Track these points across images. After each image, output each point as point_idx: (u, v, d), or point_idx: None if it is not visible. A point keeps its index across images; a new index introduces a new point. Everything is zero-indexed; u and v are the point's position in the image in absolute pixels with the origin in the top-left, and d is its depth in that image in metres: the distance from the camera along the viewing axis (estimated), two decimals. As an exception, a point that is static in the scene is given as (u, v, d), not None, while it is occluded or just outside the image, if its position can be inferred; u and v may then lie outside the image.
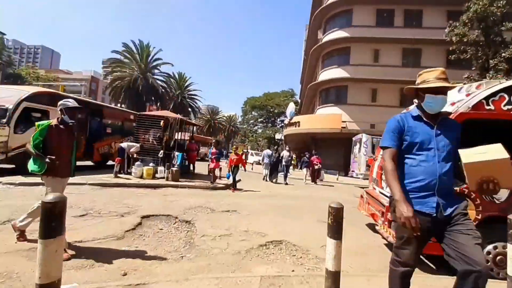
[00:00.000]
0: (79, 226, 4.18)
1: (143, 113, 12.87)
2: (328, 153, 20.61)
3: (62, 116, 3.33)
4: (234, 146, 14.00)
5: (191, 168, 12.91)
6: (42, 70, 60.44)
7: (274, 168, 14.78)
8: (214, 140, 13.10)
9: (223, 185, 10.10)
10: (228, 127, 72.29)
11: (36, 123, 3.24)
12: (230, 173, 10.06)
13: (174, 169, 9.92)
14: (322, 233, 5.34)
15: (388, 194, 4.93)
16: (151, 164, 10.31)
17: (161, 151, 10.80)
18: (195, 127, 16.94)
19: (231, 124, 72.08)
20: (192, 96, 48.36)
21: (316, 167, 14.39)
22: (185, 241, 4.12)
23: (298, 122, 24.01)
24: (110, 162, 12.47)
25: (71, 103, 3.41)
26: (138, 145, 10.72)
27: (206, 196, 7.92)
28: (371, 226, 5.93)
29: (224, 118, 72.85)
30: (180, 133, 14.26)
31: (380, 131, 15.26)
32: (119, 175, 9.69)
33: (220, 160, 10.94)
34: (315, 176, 14.54)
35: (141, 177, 9.74)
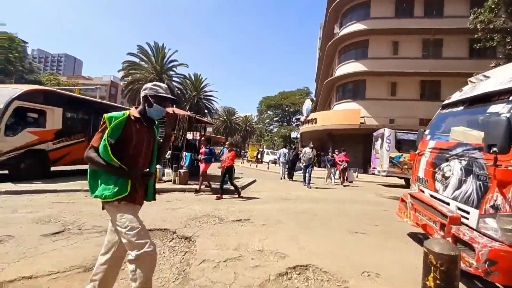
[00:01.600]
0: (41, 252, 3.12)
1: None
2: (346, 150, 18.95)
3: (147, 106, 2.04)
4: (228, 143, 12.38)
5: (204, 169, 11.87)
6: (64, 77, 61.60)
7: (292, 167, 14.10)
8: (202, 138, 10.68)
9: (239, 187, 8.95)
10: (244, 127, 71.44)
11: (105, 115, 1.92)
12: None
13: (182, 171, 8.88)
14: (358, 250, 3.75)
15: (449, 200, 3.61)
16: (158, 166, 9.30)
17: (168, 152, 9.81)
18: (208, 126, 15.94)
19: (247, 124, 71.18)
20: (208, 97, 47.62)
21: (342, 166, 12.42)
22: (179, 270, 2.98)
23: (315, 119, 22.52)
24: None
25: (163, 90, 2.06)
26: None
27: (215, 202, 6.80)
28: (415, 237, 4.58)
29: (240, 118, 72.09)
30: (192, 132, 13.29)
31: (400, 126, 13.43)
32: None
33: (212, 161, 8.35)
34: (343, 176, 12.51)
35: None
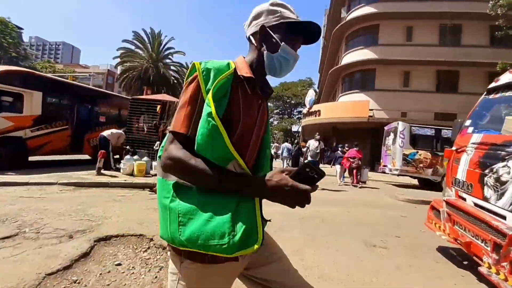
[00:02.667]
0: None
1: (137, 97, 11.20)
2: (351, 146, 18.22)
3: (266, 50, 0.97)
4: None
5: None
6: (61, 65, 60.96)
7: (295, 162, 13.98)
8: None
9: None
10: (244, 120, 70.74)
11: (196, 63, 0.91)
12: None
13: None
14: (382, 273, 2.87)
15: (506, 212, 2.90)
16: (145, 158, 8.64)
17: (157, 143, 9.13)
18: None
19: (247, 117, 70.42)
20: (206, 88, 46.69)
21: (354, 164, 10.85)
22: (146, 298, 2.31)
23: (318, 111, 21.72)
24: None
25: (293, 12, 0.99)
26: (122, 132, 9.13)
27: (207, 200, 6.13)
28: (446, 253, 3.90)
29: (240, 110, 71.24)
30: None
31: (413, 120, 12.39)
32: (103, 171, 8.07)
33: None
34: (355, 175, 10.94)
35: (132, 174, 8.07)
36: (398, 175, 11.65)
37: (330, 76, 24.19)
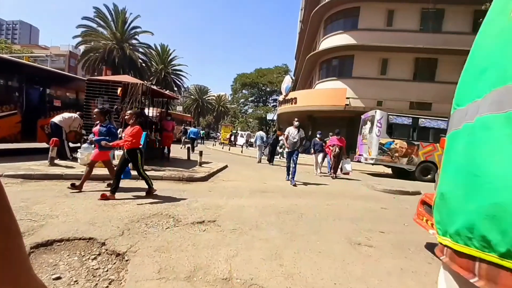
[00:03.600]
0: None
1: (94, 77, 10.13)
2: (327, 135, 18.21)
3: None
4: (129, 112, 9.48)
5: (166, 152, 10.45)
6: (19, 45, 55.66)
7: (272, 151, 14.18)
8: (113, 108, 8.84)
9: (205, 174, 7.75)
10: (218, 107, 69.35)
11: None
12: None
13: None
14: (372, 279, 2.38)
15: None
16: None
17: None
18: (177, 104, 14.25)
19: (221, 104, 69.07)
20: (177, 72, 44.91)
21: (333, 152, 10.17)
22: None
23: (295, 98, 21.50)
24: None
25: None
26: (76, 115, 8.21)
27: (176, 193, 5.56)
28: (433, 248, 3.69)
29: (213, 97, 69.71)
30: (153, 108, 11.68)
31: (388, 109, 11.99)
32: (57, 161, 7.18)
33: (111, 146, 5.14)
34: (333, 165, 10.29)
35: (90, 165, 7.22)
36: (373, 164, 11.74)
37: (307, 62, 23.94)
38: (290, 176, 8.15)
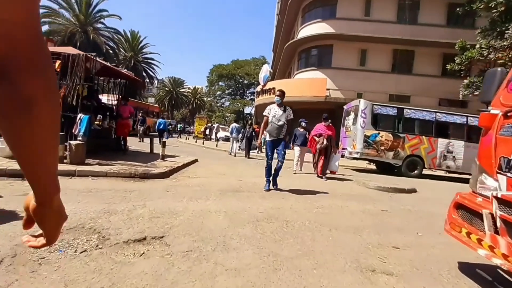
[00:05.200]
0: None
1: None
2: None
3: None
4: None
5: (122, 143, 8.81)
6: None
7: (249, 144, 13.57)
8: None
9: (166, 170, 6.33)
10: (193, 100, 66.72)
11: None
12: None
13: (74, 142, 5.90)
14: None
15: None
16: None
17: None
18: (149, 93, 12.46)
19: (197, 97, 66.50)
20: (148, 61, 42.06)
21: (319, 145, 7.93)
22: None
23: (273, 88, 20.25)
24: None
25: None
26: None
27: (119, 194, 4.13)
28: (476, 275, 2.63)
29: (189, 90, 66.92)
30: (108, 92, 9.97)
31: (370, 100, 10.80)
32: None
33: None
34: (320, 163, 8.02)
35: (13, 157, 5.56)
36: (358, 158, 10.84)
37: (285, 52, 22.79)
38: (271, 176, 5.55)
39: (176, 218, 3.39)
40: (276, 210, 4.10)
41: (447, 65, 14.01)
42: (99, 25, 33.40)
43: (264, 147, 6.27)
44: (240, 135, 14.77)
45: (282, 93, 5.59)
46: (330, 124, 8.38)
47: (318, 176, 8.09)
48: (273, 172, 5.54)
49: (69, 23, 30.52)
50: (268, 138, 5.55)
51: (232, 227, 3.25)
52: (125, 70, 9.84)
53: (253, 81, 44.47)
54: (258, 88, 23.99)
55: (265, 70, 22.33)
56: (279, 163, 5.46)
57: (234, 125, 14.94)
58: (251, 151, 14.26)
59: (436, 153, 10.45)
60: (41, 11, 29.97)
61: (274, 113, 5.48)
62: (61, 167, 5.37)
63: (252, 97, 45.92)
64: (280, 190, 5.60)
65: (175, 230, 2.99)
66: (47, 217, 0.53)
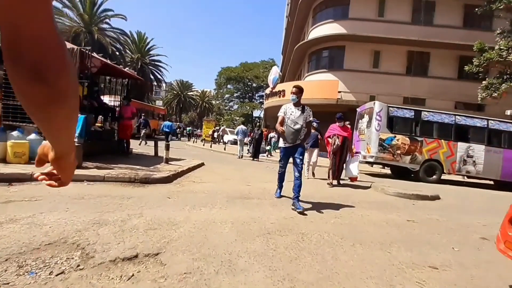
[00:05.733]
0: None
1: None
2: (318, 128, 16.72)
3: None
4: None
5: (125, 145, 8.49)
6: None
7: (257, 146, 13.41)
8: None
9: (169, 174, 5.96)
10: (201, 103, 66.72)
11: None
12: None
13: None
14: None
15: None
16: (32, 135, 5.85)
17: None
18: (157, 93, 12.19)
19: (205, 100, 66.49)
20: (156, 63, 42.02)
21: (333, 146, 7.10)
22: None
23: (283, 91, 19.87)
24: None
25: None
26: None
27: (115, 202, 3.76)
28: None
29: (197, 93, 67.01)
30: (110, 93, 9.72)
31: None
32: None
33: None
34: (338, 170, 7.25)
35: (4, 159, 5.26)
36: (372, 163, 10.28)
37: (295, 53, 22.35)
38: (293, 198, 4.29)
39: (176, 230, 2.98)
40: (289, 220, 3.66)
41: (465, 67, 13.43)
42: (104, 26, 32.86)
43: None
44: (247, 138, 14.76)
45: (299, 90, 4.58)
46: (345, 124, 7.45)
47: (330, 182, 7.11)
48: (293, 187, 4.35)
49: (73, 23, 30.15)
50: (282, 144, 4.62)
51: (239, 241, 2.83)
52: (127, 69, 9.57)
53: (262, 84, 44.05)
54: (267, 91, 23.57)
55: (275, 72, 21.90)
56: (297, 178, 4.33)
57: (240, 127, 14.78)
58: (260, 155, 14.15)
59: (455, 157, 9.85)
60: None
61: (289, 114, 4.52)
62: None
63: (261, 100, 45.55)
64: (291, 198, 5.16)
65: (173, 245, 2.58)
66: (66, 166, 0.66)
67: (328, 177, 7.31)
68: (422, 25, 16.61)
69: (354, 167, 7.50)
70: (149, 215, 3.36)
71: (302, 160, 4.56)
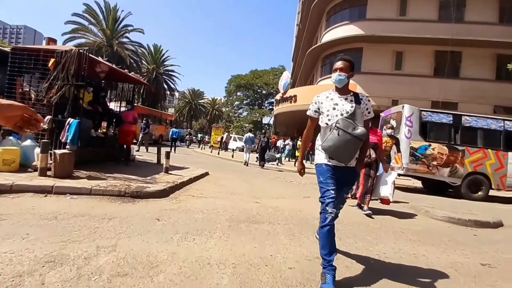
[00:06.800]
0: None
1: (20, 46, 7.50)
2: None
3: None
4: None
5: (125, 152, 7.72)
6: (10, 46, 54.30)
7: (262, 153, 13.55)
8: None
9: (165, 187, 5.08)
10: (211, 111, 67.14)
11: None
12: None
13: (60, 152, 4.86)
14: None
15: None
16: (27, 142, 5.31)
17: (48, 117, 5.67)
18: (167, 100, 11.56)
19: (215, 108, 66.88)
20: (169, 73, 42.93)
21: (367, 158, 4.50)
22: None
23: (294, 96, 18.91)
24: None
25: None
26: None
27: (90, 225, 2.88)
28: None
29: (208, 101, 67.77)
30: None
31: None
32: None
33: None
34: (362, 184, 5.19)
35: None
36: (403, 175, 9.08)
37: (307, 58, 21.43)
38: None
39: (153, 278, 2.03)
40: (314, 262, 2.61)
41: (508, 65, 12.00)
42: (124, 39, 34.87)
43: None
44: (254, 145, 14.78)
45: (348, 64, 2.38)
46: (374, 128, 5.37)
47: (357, 205, 5.33)
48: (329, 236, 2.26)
49: (97, 38, 31.85)
50: (324, 161, 2.42)
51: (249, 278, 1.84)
52: (132, 73, 9.01)
53: (271, 91, 43.90)
54: (278, 96, 22.71)
55: (286, 77, 21.09)
56: (330, 214, 2.20)
57: (248, 135, 14.52)
58: (270, 163, 14.36)
59: (506, 170, 8.53)
60: (72, 26, 31.31)
61: (333, 108, 2.40)
62: (38, 181, 4.31)
63: (270, 107, 45.13)
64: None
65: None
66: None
67: (359, 200, 5.24)
68: (452, 23, 15.31)
69: (387, 186, 5.19)
70: (124, 248, 2.44)
71: (346, 196, 2.74)
